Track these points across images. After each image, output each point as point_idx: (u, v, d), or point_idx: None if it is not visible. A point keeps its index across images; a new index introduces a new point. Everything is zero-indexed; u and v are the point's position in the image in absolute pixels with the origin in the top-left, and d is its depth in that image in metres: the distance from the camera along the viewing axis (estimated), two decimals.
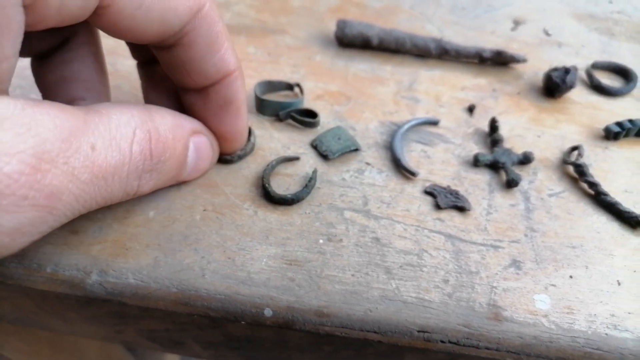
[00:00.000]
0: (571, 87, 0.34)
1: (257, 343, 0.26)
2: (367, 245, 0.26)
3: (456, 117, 0.34)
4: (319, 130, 0.32)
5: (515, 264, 0.25)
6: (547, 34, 0.42)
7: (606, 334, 0.23)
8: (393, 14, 0.43)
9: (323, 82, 0.36)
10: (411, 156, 0.31)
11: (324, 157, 0.30)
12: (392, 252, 0.26)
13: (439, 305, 0.24)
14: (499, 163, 0.30)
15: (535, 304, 0.24)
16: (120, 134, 0.21)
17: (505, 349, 0.23)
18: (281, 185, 0.29)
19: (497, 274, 0.25)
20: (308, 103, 0.34)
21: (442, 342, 0.23)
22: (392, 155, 0.30)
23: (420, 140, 0.32)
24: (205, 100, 0.26)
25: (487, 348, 0.23)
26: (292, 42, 0.39)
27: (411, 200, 0.28)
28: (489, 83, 0.37)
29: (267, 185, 0.28)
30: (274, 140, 0.31)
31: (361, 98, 0.35)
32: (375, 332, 0.23)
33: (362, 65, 0.38)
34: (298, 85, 0.34)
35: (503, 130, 0.33)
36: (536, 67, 0.38)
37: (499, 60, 0.37)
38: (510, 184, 0.29)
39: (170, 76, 0.26)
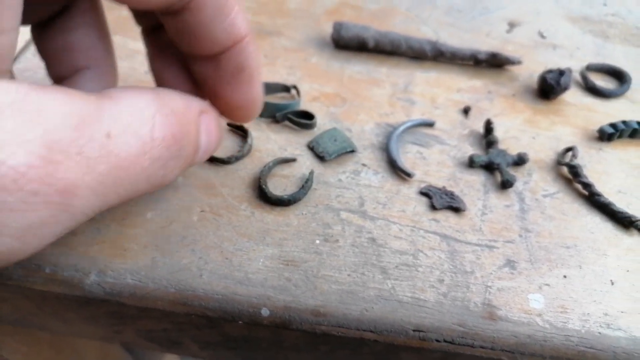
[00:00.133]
0: (566, 89, 0.35)
1: (254, 343, 0.26)
2: (363, 246, 0.26)
3: (451, 119, 0.34)
4: (316, 131, 0.32)
5: (510, 263, 0.26)
6: (541, 36, 0.42)
7: (599, 332, 0.23)
8: (389, 16, 0.43)
9: (319, 84, 0.36)
10: (407, 157, 0.31)
11: (321, 158, 0.30)
12: (388, 252, 0.26)
13: (434, 305, 0.24)
14: (494, 164, 0.30)
15: (530, 304, 0.24)
16: (138, 120, 0.19)
17: (500, 348, 0.23)
18: (278, 187, 0.29)
19: (491, 273, 0.25)
20: (304, 105, 0.34)
21: (438, 341, 0.23)
22: (388, 156, 0.31)
23: (415, 141, 0.32)
24: (217, 68, 0.24)
25: (482, 347, 0.23)
26: (288, 44, 0.40)
27: (407, 201, 0.29)
28: (484, 85, 0.37)
29: (264, 186, 0.28)
30: (270, 141, 0.32)
31: (357, 100, 0.35)
32: (371, 331, 0.23)
33: (358, 67, 0.38)
34: (295, 87, 0.35)
35: (498, 132, 0.33)
36: (531, 69, 0.38)
37: (494, 62, 0.38)
38: (505, 184, 0.29)
39: (178, 44, 0.24)
